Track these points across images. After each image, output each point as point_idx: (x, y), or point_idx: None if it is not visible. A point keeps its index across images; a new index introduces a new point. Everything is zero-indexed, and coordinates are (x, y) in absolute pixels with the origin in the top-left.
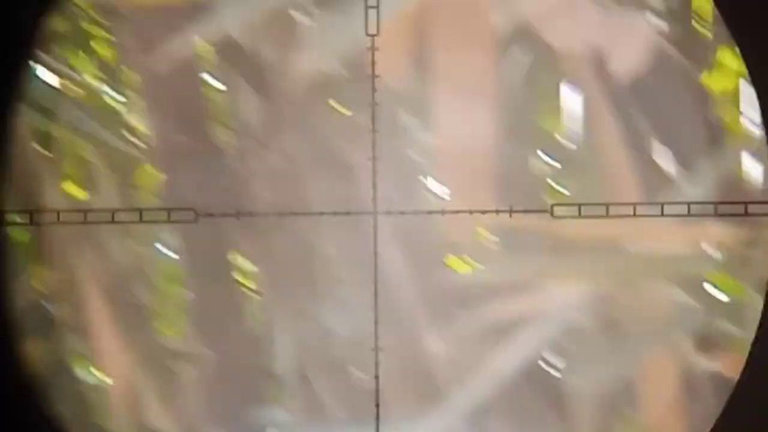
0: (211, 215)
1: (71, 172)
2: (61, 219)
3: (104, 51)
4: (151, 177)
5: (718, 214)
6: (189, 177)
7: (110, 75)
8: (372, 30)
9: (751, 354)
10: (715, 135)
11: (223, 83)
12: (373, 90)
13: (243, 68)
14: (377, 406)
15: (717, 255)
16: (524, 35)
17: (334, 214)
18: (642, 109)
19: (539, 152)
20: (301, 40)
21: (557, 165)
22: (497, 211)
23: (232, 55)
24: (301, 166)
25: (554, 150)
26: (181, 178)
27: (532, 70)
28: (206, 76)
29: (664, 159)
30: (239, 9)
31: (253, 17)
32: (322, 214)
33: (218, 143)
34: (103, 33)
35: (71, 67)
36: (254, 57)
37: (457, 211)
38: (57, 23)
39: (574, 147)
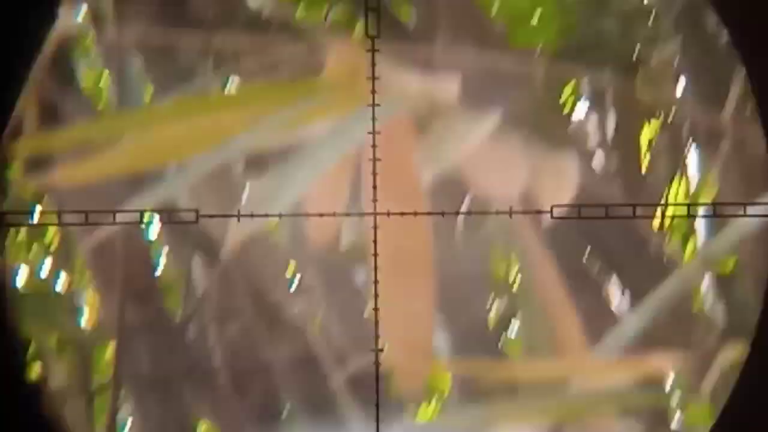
0: (212, 216)
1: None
2: (62, 220)
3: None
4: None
5: (716, 215)
6: (144, 350)
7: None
8: (372, 31)
9: (749, 356)
10: (664, 269)
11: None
12: (373, 92)
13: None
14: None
15: (666, 385)
16: (456, 185)
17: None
18: (585, 247)
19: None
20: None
21: (506, 311)
22: (497, 212)
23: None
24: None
25: (501, 295)
26: (136, 351)
27: (468, 221)
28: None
29: (610, 295)
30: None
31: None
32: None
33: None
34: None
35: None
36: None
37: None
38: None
39: (517, 291)
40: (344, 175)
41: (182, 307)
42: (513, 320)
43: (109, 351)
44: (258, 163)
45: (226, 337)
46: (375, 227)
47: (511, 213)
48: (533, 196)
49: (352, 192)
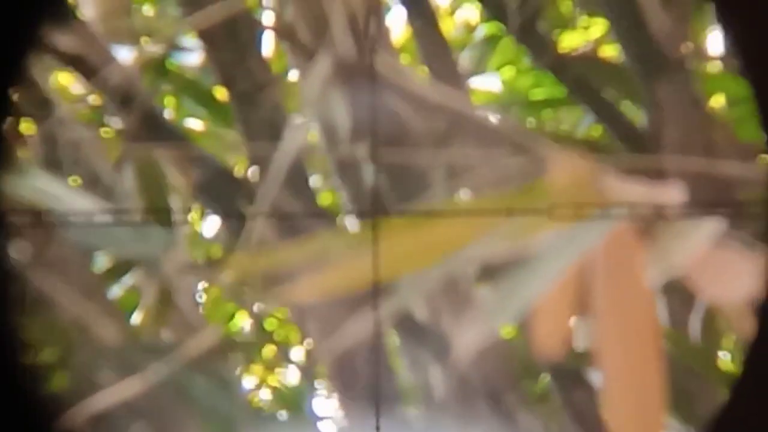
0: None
1: None
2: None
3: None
4: None
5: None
6: None
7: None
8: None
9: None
10: None
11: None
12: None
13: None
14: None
15: None
16: (680, 290)
17: None
18: None
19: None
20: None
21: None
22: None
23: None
24: None
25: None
26: None
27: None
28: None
29: None
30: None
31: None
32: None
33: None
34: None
35: None
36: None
37: None
38: None
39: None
40: (572, 283)
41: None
42: None
43: None
44: (489, 272)
45: None
46: (374, 228)
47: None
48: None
49: (579, 300)
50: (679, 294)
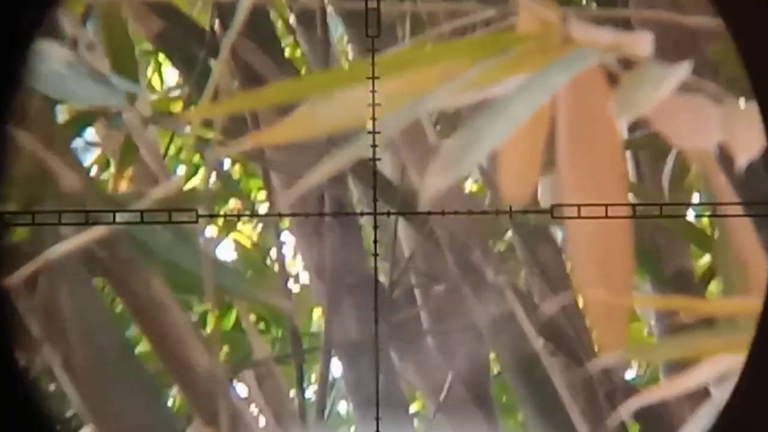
0: (211, 216)
1: None
2: (62, 219)
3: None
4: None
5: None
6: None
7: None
8: (372, 32)
9: (749, 356)
10: None
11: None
12: (373, 91)
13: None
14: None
15: None
16: (649, 145)
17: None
18: None
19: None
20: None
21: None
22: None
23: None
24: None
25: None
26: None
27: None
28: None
29: None
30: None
31: None
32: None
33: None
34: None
35: None
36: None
37: None
38: None
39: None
40: (540, 130)
41: (389, 269)
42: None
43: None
44: (452, 120)
45: (432, 298)
46: (375, 227)
47: (511, 213)
48: (726, 147)
49: (547, 148)
50: (647, 149)
